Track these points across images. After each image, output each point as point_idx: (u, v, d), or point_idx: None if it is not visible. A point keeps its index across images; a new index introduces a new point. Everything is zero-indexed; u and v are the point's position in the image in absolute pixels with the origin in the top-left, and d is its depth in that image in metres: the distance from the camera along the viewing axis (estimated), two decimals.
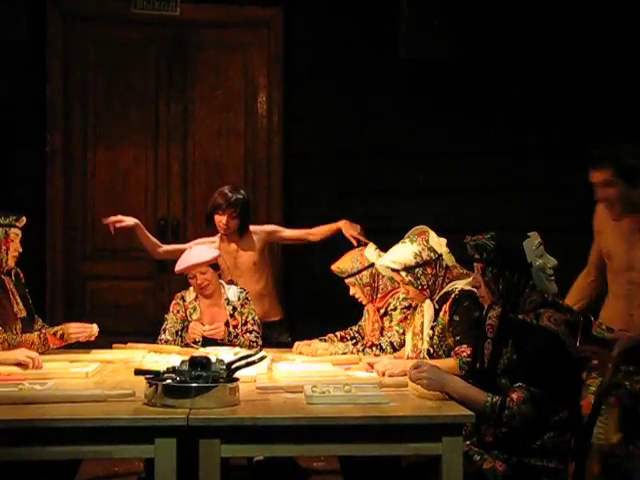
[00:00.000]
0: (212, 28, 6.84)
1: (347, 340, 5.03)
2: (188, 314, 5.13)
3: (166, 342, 5.08)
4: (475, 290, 4.09)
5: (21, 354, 4.24)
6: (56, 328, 4.66)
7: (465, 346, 4.17)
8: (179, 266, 5.13)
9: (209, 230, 6.00)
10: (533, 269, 3.61)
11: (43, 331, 4.61)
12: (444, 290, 4.39)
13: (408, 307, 4.73)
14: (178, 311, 5.16)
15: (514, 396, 3.45)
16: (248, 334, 5.09)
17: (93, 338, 4.66)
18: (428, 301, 4.40)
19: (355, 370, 4.28)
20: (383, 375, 4.05)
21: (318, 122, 6.80)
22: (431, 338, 4.34)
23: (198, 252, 5.20)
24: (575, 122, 6.65)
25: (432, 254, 4.37)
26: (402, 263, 4.35)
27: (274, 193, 6.80)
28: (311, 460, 5.64)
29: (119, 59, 6.81)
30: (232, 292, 5.21)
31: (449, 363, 4.11)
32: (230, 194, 5.61)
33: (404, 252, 4.39)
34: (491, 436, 3.56)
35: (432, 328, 4.27)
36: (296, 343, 5.03)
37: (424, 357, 4.27)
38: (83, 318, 5.56)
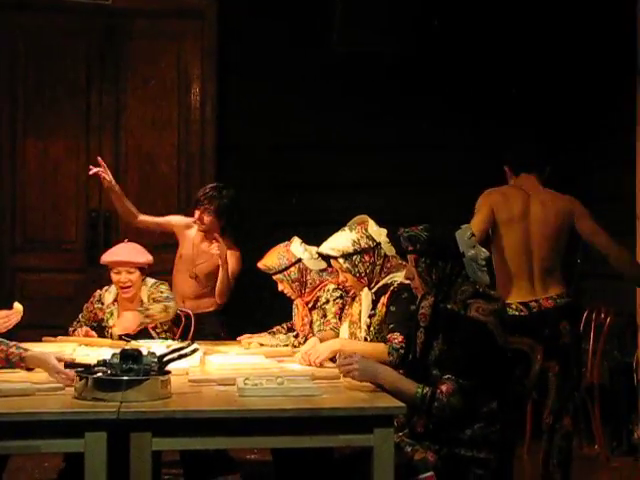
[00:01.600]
0: (145, 17, 6.85)
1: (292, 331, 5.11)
2: (105, 318, 5.11)
3: (74, 332, 5.03)
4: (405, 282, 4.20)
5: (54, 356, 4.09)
6: None
7: (397, 334, 4.20)
8: (107, 257, 5.08)
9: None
10: (465, 259, 3.65)
11: None
12: (383, 282, 4.42)
13: (340, 297, 4.76)
14: (91, 310, 5.14)
15: (443, 388, 3.48)
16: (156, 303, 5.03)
17: (19, 318, 4.50)
18: (366, 289, 4.43)
19: (288, 362, 4.30)
20: (309, 365, 4.09)
21: (252, 115, 6.83)
22: (368, 327, 4.37)
23: (133, 250, 5.14)
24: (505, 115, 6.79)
25: (370, 242, 4.41)
26: (340, 250, 4.38)
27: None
28: (244, 452, 5.65)
29: (50, 48, 6.79)
30: (147, 286, 5.14)
31: (379, 348, 4.14)
32: (209, 191, 5.60)
33: (343, 239, 4.43)
34: (422, 427, 3.58)
35: (369, 317, 4.30)
36: (244, 336, 5.05)
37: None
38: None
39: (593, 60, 6.63)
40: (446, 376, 3.50)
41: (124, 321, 4.91)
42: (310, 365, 4.15)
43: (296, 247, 4.90)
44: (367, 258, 4.39)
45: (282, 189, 6.89)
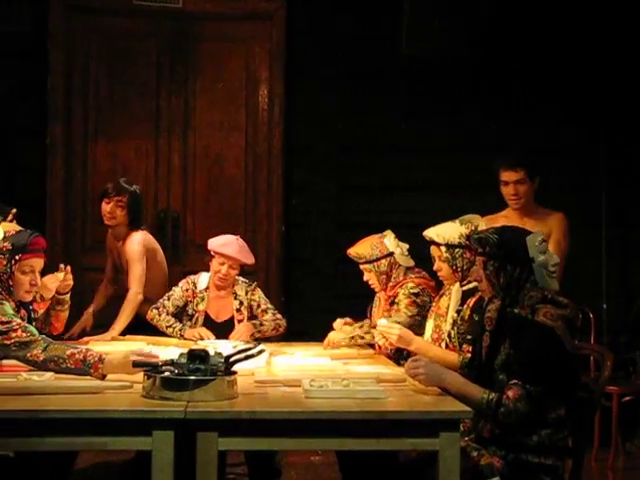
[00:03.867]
0: (214, 20, 6.90)
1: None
2: (195, 302, 5.19)
3: (164, 308, 5.15)
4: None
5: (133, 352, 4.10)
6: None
7: (465, 345, 4.22)
8: (219, 248, 5.16)
9: (209, 223, 6.08)
10: (535, 265, 3.62)
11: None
12: (473, 285, 4.42)
13: (415, 294, 4.79)
14: (187, 290, 5.22)
15: (510, 393, 3.46)
16: (264, 313, 5.18)
17: (69, 277, 4.59)
18: (457, 285, 4.45)
19: (353, 364, 4.30)
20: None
21: (319, 116, 6.84)
22: (454, 322, 4.38)
23: (243, 249, 5.23)
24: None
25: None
26: (446, 239, 4.41)
27: (274, 186, 6.84)
28: (309, 454, 5.68)
29: (120, 51, 6.86)
30: (241, 287, 5.26)
31: (451, 357, 4.15)
32: (121, 183, 5.59)
33: (451, 230, 4.45)
34: (489, 432, 3.57)
35: (457, 312, 4.31)
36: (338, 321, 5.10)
37: (444, 339, 4.33)
38: (82, 309, 5.64)
39: None
40: (513, 381, 3.48)
41: (237, 332, 5.03)
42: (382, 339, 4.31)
43: (390, 241, 4.91)
44: (468, 255, 4.40)
45: (349, 191, 6.87)
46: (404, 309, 4.73)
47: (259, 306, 5.26)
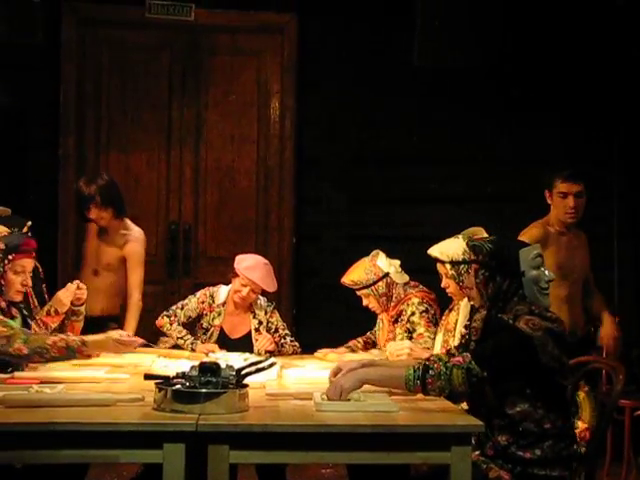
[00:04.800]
0: (226, 33, 6.93)
1: (369, 346, 5.10)
2: (212, 316, 5.20)
3: (175, 317, 5.15)
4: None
5: (115, 334, 4.23)
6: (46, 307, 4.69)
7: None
8: (247, 271, 5.14)
9: (220, 235, 6.08)
10: (525, 279, 3.63)
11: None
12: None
13: (426, 310, 4.77)
14: (203, 302, 5.22)
15: (454, 359, 3.48)
16: (283, 339, 5.20)
17: (82, 291, 4.61)
18: (466, 300, 4.43)
19: None
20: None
21: (331, 129, 6.88)
22: (462, 336, 4.37)
23: (269, 276, 5.21)
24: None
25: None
26: (450, 256, 4.41)
27: (286, 199, 6.87)
28: (319, 467, 5.70)
29: (133, 63, 6.90)
30: (260, 305, 5.27)
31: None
32: (86, 189, 5.55)
33: (454, 246, 4.45)
34: (492, 450, 3.57)
35: (465, 327, 4.30)
36: (323, 350, 5.09)
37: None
38: None
39: None
40: (464, 353, 3.51)
41: (261, 341, 5.02)
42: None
43: (382, 261, 4.90)
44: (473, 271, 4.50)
45: (360, 203, 6.88)
46: (425, 332, 4.71)
47: (277, 330, 5.26)
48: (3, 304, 4.26)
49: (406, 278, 4.93)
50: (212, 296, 5.25)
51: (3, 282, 4.26)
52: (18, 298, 4.34)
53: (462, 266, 4.42)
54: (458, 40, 6.51)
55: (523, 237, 5.36)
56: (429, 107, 6.85)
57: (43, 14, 6.16)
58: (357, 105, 6.87)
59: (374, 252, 4.98)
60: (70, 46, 6.76)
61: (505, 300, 3.64)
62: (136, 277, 5.53)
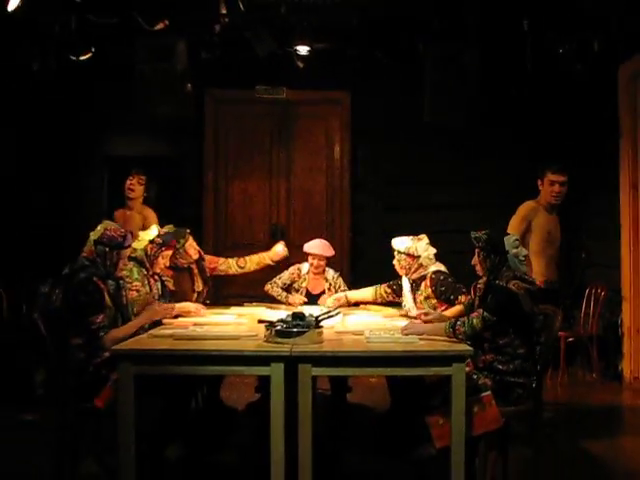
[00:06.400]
0: (305, 104, 7.66)
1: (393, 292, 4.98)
2: (300, 281, 5.48)
3: (275, 283, 5.44)
4: (440, 269, 4.68)
5: (192, 305, 4.65)
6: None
7: (462, 296, 4.52)
8: (310, 248, 5.35)
9: (303, 231, 6.68)
10: (509, 255, 3.91)
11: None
12: (419, 274, 4.71)
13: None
14: (293, 273, 5.50)
15: (472, 314, 3.71)
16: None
17: (198, 313, 4.57)
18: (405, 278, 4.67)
19: (397, 320, 4.54)
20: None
21: (373, 163, 7.73)
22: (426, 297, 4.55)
23: (325, 246, 5.39)
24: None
25: (415, 252, 4.77)
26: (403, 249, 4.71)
27: (344, 208, 7.79)
28: (368, 378, 6.00)
29: (247, 125, 7.67)
30: (330, 274, 5.50)
31: (456, 309, 4.49)
32: (137, 172, 6.03)
33: (406, 243, 4.86)
34: (482, 362, 3.88)
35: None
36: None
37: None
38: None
39: None
40: (478, 310, 3.73)
41: (334, 297, 5.07)
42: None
43: (422, 244, 4.96)
44: (409, 259, 4.88)
45: (392, 210, 7.63)
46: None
47: (340, 287, 5.47)
48: (145, 272, 4.51)
49: (432, 264, 4.76)
50: (299, 269, 5.49)
51: (155, 261, 4.64)
52: (159, 271, 4.66)
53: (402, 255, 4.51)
54: (455, 103, 6.66)
55: (521, 208, 5.57)
56: (436, 148, 7.55)
57: (194, 97, 6.61)
58: (391, 147, 7.57)
59: (421, 235, 4.91)
60: (209, 116, 7.60)
61: (498, 270, 3.88)
62: None
